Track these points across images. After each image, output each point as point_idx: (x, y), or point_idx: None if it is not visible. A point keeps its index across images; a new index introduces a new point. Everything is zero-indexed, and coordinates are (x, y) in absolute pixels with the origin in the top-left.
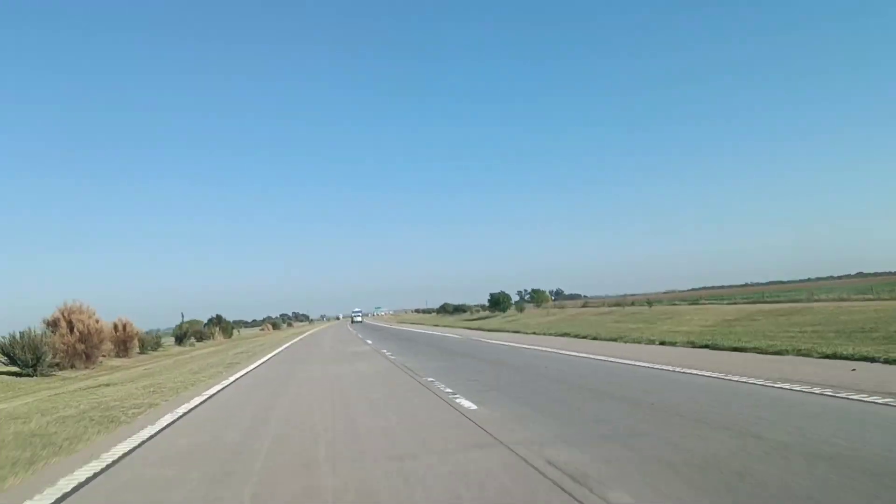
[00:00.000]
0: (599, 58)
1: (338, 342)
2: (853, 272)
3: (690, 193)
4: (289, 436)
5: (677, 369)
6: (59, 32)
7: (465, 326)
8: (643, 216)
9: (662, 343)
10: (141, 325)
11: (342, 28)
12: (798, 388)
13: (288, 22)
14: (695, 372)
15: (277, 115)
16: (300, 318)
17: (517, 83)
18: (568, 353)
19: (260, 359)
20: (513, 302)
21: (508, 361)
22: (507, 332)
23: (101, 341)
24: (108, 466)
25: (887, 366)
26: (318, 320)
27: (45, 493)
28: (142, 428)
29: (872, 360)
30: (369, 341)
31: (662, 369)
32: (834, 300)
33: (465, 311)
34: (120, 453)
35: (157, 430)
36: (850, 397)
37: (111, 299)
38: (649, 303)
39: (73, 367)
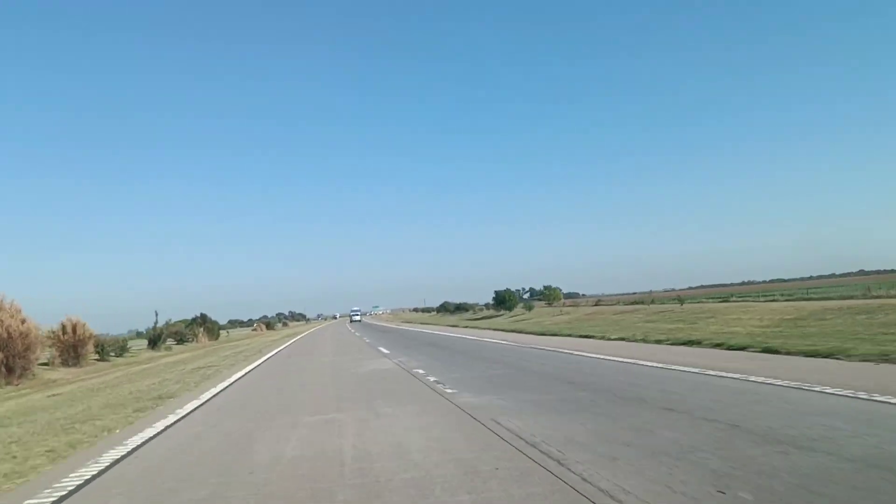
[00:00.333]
0: (601, 57)
1: (341, 349)
2: (854, 270)
3: (688, 192)
4: None
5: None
6: (59, 32)
7: (474, 326)
8: (641, 215)
9: (731, 347)
10: (135, 326)
11: (342, 27)
12: None
13: (285, 21)
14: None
15: (274, 115)
16: (297, 317)
17: (516, 83)
18: (674, 367)
19: (220, 382)
20: (520, 300)
21: (645, 394)
22: (529, 333)
23: (27, 348)
24: None
25: None
26: (314, 319)
27: None
28: None
29: None
30: (384, 349)
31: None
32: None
33: (466, 309)
34: None
35: None
36: None
37: (111, 300)
38: (680, 300)
39: None
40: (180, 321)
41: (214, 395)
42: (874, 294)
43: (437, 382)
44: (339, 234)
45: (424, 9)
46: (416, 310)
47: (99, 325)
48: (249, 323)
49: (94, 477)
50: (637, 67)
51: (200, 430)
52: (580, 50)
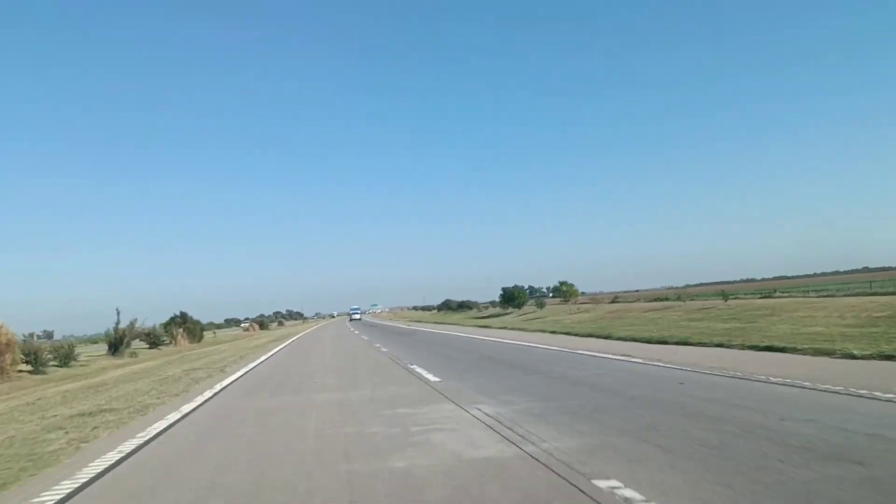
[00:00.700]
0: (602, 55)
1: (351, 368)
2: (858, 267)
3: (687, 191)
4: None
5: None
6: (59, 31)
7: (487, 325)
8: (640, 214)
9: (847, 355)
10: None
11: (342, 25)
12: None
13: (285, 19)
14: None
15: (273, 113)
16: (294, 315)
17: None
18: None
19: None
20: (530, 297)
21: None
22: (564, 333)
23: None
24: None
25: None
26: (312, 318)
27: None
28: None
29: None
30: (422, 369)
31: None
32: None
33: (470, 307)
34: None
35: None
36: None
37: (109, 300)
38: (725, 295)
39: None
40: (168, 322)
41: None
42: None
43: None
44: (337, 232)
45: (425, 8)
46: (415, 308)
47: (93, 326)
48: (248, 322)
49: None
50: (642, 65)
51: None
52: (581, 48)
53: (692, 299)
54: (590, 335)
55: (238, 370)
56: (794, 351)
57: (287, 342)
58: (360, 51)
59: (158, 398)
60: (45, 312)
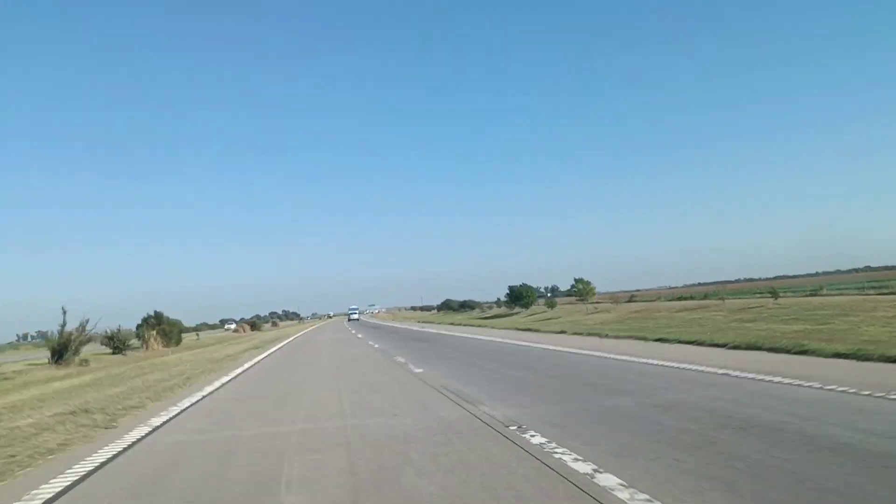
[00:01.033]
0: (603, 53)
1: (369, 401)
2: (860, 266)
3: (686, 190)
4: None
5: None
6: (56, 29)
7: (504, 327)
8: (639, 213)
9: None
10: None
11: (342, 23)
12: None
13: (283, 17)
14: None
15: (269, 111)
16: (290, 316)
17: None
18: None
19: None
20: (539, 296)
21: None
22: (579, 333)
23: None
24: None
25: None
26: (308, 319)
27: None
28: None
29: None
30: (499, 406)
31: None
32: None
33: (472, 307)
34: None
35: None
36: None
37: (108, 300)
38: (774, 293)
39: None
40: (141, 323)
41: None
42: None
43: None
44: (334, 232)
45: (424, 5)
46: (413, 308)
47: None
48: (233, 324)
49: None
50: (646, 62)
51: None
52: (583, 45)
53: (719, 298)
54: (629, 337)
55: (179, 401)
56: None
57: (274, 348)
58: (358, 49)
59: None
60: (45, 312)
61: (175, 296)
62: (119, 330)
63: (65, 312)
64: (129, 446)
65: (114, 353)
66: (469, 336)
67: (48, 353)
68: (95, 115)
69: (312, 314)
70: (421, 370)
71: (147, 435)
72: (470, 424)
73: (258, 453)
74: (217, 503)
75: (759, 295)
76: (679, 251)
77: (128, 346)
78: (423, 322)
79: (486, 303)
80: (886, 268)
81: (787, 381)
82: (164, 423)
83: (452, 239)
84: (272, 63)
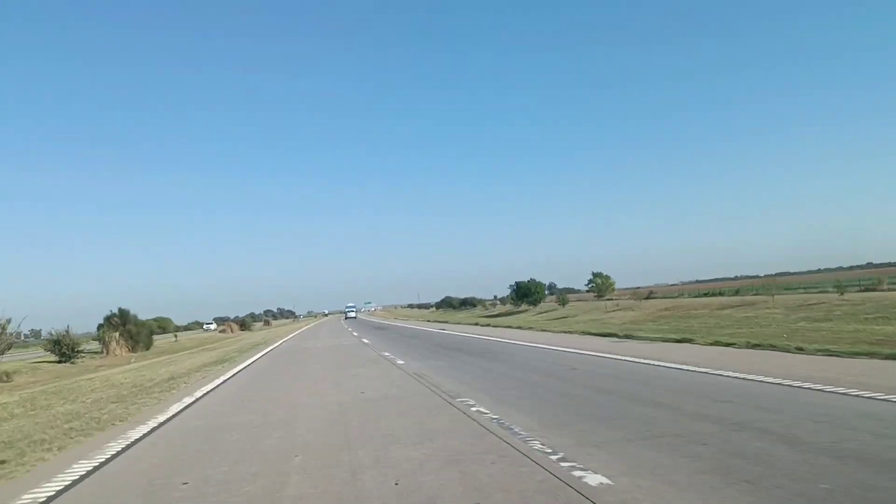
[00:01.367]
0: (605, 51)
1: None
2: (862, 263)
3: (685, 189)
4: None
5: None
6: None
7: (518, 326)
8: (638, 212)
9: None
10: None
11: (341, 20)
12: None
13: (280, 14)
14: None
15: (267, 108)
16: (285, 314)
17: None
18: None
19: None
20: (549, 292)
21: None
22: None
23: None
24: None
25: None
26: (303, 317)
27: None
28: None
29: None
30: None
31: None
32: None
33: (474, 304)
34: None
35: None
36: None
37: (105, 299)
38: (839, 288)
39: None
40: (104, 324)
41: None
42: None
43: None
44: (331, 230)
45: (425, 3)
46: (410, 306)
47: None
48: (215, 325)
49: None
50: (651, 60)
51: None
52: (593, 40)
53: (769, 294)
54: (680, 340)
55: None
56: None
57: (251, 360)
58: (355, 46)
59: None
60: (46, 312)
61: (170, 294)
62: (68, 332)
63: None
64: None
65: (60, 362)
66: (526, 344)
67: None
68: (95, 115)
69: (308, 312)
70: (466, 399)
71: None
72: None
73: None
74: None
75: (802, 291)
76: (679, 250)
77: (78, 352)
78: (431, 322)
79: (489, 300)
80: (888, 264)
81: None
82: None
83: (449, 237)
84: (272, 63)
